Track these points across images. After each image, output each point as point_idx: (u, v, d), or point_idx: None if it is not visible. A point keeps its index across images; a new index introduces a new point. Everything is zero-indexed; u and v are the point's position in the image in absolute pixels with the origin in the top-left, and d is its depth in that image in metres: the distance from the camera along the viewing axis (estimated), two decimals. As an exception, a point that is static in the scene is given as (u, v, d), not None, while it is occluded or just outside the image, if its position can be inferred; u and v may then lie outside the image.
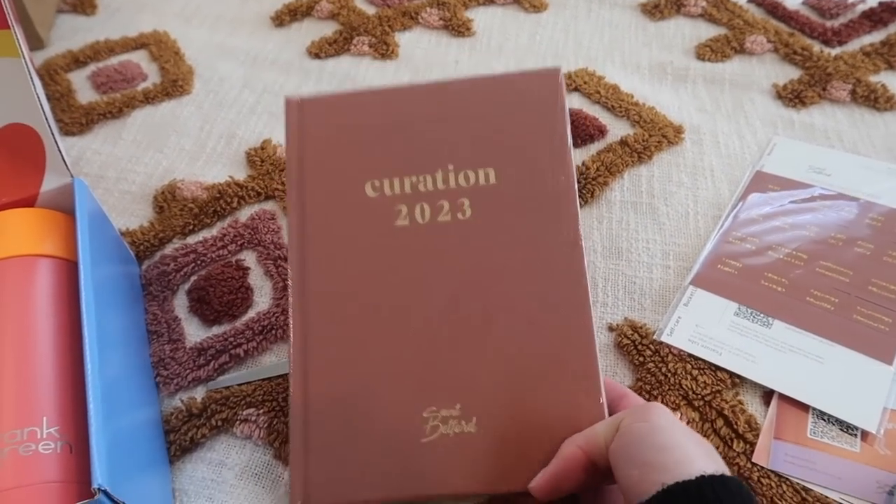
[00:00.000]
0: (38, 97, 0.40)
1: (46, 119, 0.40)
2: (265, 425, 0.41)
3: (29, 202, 0.41)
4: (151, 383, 0.43)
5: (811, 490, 0.37)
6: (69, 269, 0.38)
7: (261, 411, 0.41)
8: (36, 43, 0.66)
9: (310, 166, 0.41)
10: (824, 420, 0.40)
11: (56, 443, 0.31)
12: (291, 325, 0.38)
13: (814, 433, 0.39)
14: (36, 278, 0.37)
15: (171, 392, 0.42)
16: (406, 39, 0.69)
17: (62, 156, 0.41)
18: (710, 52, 0.65)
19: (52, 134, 0.40)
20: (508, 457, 0.34)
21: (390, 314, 0.38)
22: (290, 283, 0.39)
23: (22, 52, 0.39)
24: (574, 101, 0.61)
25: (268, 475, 0.40)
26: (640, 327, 0.45)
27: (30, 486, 0.30)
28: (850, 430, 0.39)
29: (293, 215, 0.40)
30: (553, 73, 0.41)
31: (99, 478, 0.29)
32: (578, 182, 0.51)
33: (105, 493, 0.29)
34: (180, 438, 0.40)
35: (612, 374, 0.43)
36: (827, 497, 0.37)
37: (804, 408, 0.40)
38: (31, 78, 0.39)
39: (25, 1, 0.63)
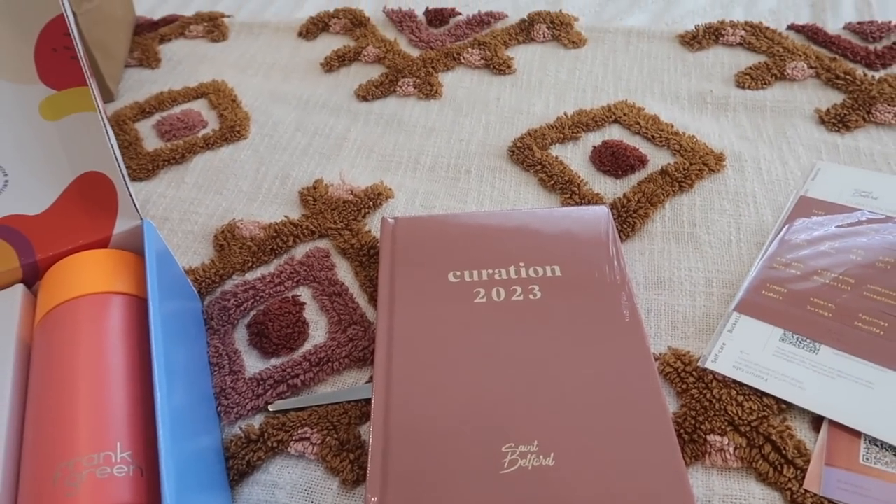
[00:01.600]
0: (112, 147, 0.43)
1: (119, 167, 0.43)
2: (319, 441, 0.43)
3: (103, 243, 0.44)
4: (214, 412, 0.45)
5: (864, 517, 0.37)
6: (139, 305, 0.41)
7: (314, 430, 0.43)
8: (107, 96, 0.72)
9: (399, 260, 0.49)
10: (877, 446, 0.39)
11: (129, 466, 0.33)
12: (375, 368, 0.43)
13: (866, 459, 0.39)
14: (109, 314, 0.40)
15: (231, 420, 0.45)
16: (449, 79, 0.71)
17: (133, 200, 0.44)
18: (750, 79, 0.66)
19: (125, 180, 0.44)
20: (586, 490, 0.36)
21: (469, 366, 0.42)
22: (377, 333, 0.45)
23: (98, 106, 0.42)
24: (614, 133, 0.62)
25: (315, 489, 0.42)
26: (684, 355, 0.45)
27: (106, 507, 0.32)
28: (904, 457, 0.39)
29: (383, 300, 0.46)
30: (602, 210, 0.52)
31: (168, 500, 0.31)
32: (619, 215, 0.54)
33: (174, 514, 0.31)
34: (238, 463, 0.43)
35: (658, 401, 0.44)
36: (882, 525, 0.36)
37: (856, 433, 0.40)
38: (106, 129, 0.43)
39: (97, 58, 0.69)
